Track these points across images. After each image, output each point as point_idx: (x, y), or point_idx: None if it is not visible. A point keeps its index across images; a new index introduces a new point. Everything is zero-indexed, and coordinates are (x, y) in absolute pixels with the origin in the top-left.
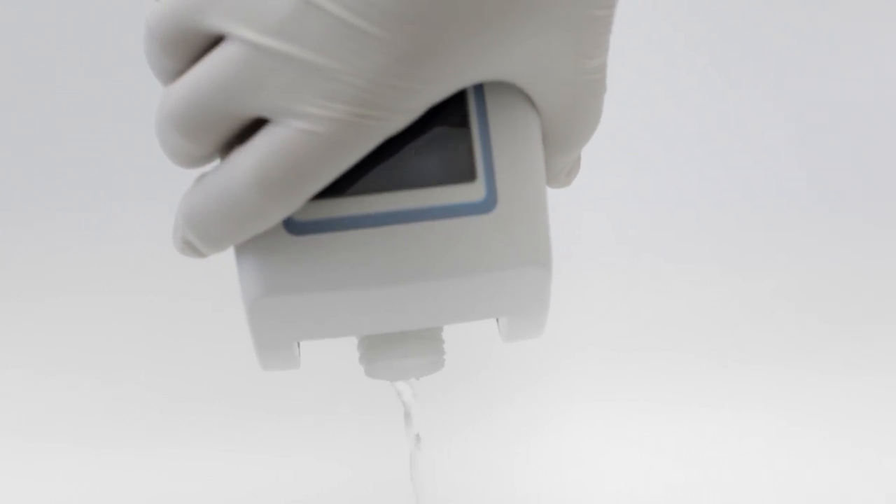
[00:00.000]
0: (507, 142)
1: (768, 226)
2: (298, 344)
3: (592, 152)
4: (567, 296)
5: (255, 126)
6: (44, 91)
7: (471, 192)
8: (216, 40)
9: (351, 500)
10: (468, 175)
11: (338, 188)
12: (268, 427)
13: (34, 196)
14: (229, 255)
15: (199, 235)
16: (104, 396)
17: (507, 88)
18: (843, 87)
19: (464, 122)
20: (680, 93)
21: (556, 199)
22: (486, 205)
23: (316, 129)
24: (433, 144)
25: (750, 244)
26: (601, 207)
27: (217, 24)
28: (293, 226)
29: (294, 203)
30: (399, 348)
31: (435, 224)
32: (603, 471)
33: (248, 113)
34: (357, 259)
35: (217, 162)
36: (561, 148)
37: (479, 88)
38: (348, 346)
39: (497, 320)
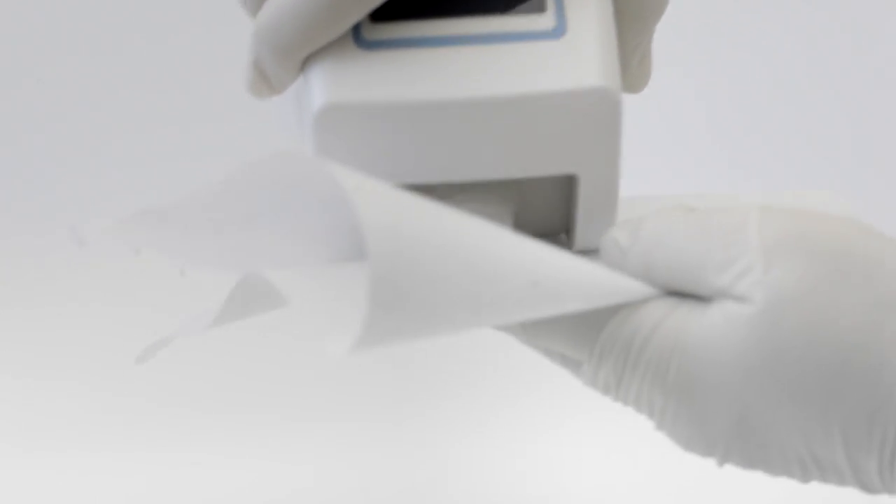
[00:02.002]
0: None
1: None
2: None
3: None
4: None
5: None
6: (46, 97)
7: (540, 21)
8: None
9: (347, 501)
10: (538, 6)
11: (409, 13)
12: (262, 430)
13: (29, 204)
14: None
15: (271, 45)
16: (99, 400)
17: None
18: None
19: None
20: (688, 87)
21: None
22: (555, 33)
23: None
24: None
25: None
26: None
27: None
28: (364, 43)
29: (367, 2)
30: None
31: (504, 46)
32: (604, 473)
33: None
34: (424, 73)
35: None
36: (631, 21)
37: None
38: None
39: (567, 232)
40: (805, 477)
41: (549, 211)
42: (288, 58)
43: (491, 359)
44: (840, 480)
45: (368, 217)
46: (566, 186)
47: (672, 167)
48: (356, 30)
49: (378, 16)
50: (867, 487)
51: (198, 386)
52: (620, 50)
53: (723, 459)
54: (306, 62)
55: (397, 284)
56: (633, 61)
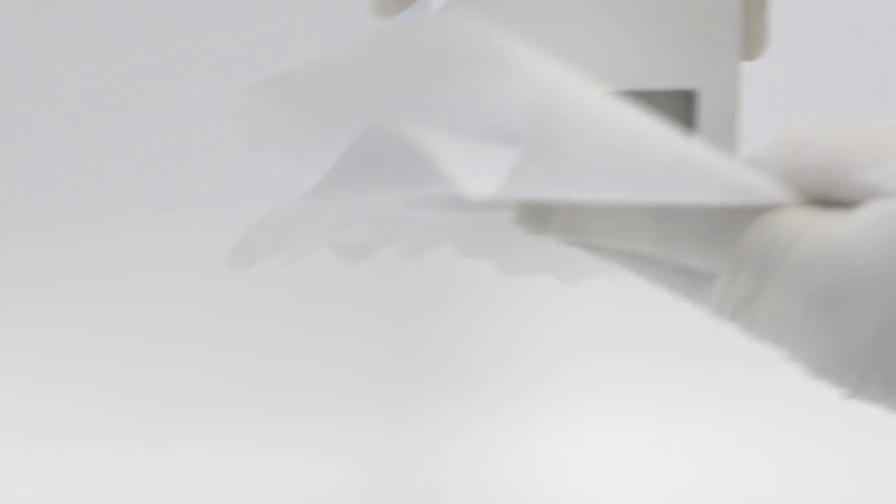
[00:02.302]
0: None
1: None
2: None
3: None
4: (570, 301)
5: None
6: (47, 97)
7: None
8: None
9: (347, 501)
10: None
11: None
12: (262, 429)
13: (29, 204)
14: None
15: None
16: (99, 399)
17: None
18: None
19: None
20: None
21: None
22: None
23: None
24: None
25: None
26: None
27: None
28: None
29: None
30: None
31: None
32: (604, 473)
33: None
34: None
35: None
36: None
37: None
38: (345, 351)
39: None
40: None
41: None
42: None
43: (491, 359)
44: None
45: (521, 66)
46: (684, 113)
47: None
48: None
49: None
50: None
51: (197, 384)
52: None
53: (858, 384)
54: None
55: (547, 134)
56: (748, 13)
